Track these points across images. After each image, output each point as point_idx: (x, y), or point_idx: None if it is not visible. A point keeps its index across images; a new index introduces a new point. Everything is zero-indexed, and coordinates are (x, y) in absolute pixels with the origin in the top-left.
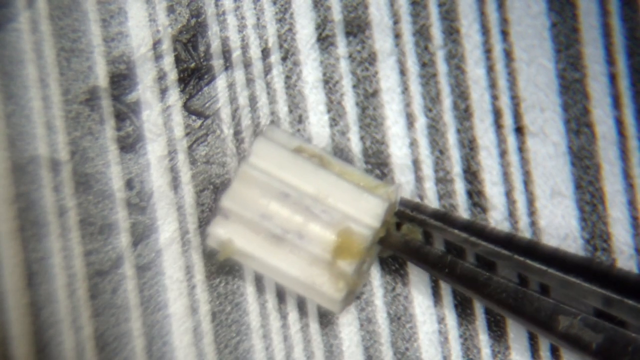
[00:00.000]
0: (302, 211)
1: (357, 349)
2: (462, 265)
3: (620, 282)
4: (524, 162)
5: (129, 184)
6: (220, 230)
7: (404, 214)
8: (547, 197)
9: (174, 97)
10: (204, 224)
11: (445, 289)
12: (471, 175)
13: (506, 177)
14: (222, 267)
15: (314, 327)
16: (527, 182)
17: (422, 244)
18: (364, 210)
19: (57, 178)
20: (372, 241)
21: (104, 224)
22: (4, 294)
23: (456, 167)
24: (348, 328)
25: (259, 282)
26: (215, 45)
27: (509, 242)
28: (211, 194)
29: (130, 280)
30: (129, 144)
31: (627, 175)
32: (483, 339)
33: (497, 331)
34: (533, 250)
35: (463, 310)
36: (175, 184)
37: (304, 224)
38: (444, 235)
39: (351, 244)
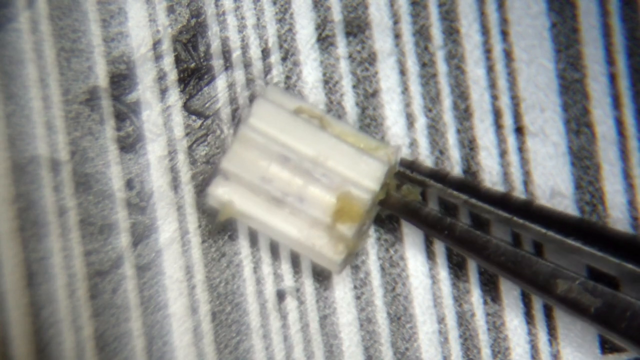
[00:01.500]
0: (302, 174)
1: (357, 349)
2: (461, 227)
3: (615, 241)
4: (523, 162)
5: (129, 184)
6: (220, 191)
7: (404, 175)
8: (547, 197)
9: (174, 97)
10: (204, 184)
11: (440, 255)
12: (471, 175)
13: (506, 177)
14: (221, 229)
15: (313, 327)
16: (527, 182)
17: (422, 206)
18: (364, 173)
19: (57, 178)
20: (372, 204)
21: (104, 224)
22: (4, 293)
23: (456, 168)
24: (348, 328)
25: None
26: (215, 46)
27: (506, 201)
28: (208, 155)
29: (130, 280)
30: (129, 144)
31: (627, 176)
32: (483, 338)
33: (491, 292)
34: (528, 209)
35: (456, 273)
36: (175, 184)
37: (304, 187)
38: (442, 196)
39: (351, 207)
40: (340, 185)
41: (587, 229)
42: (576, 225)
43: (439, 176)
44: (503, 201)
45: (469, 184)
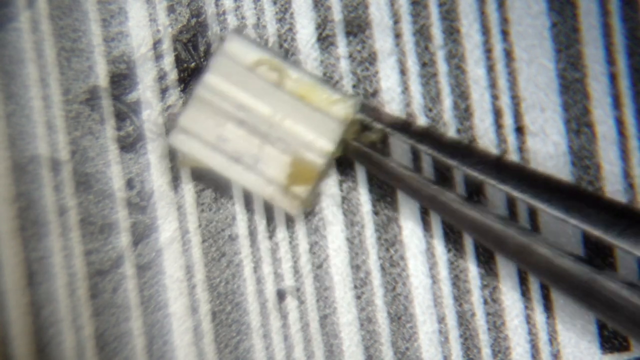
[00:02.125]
0: (257, 135)
1: (357, 348)
2: (419, 180)
3: (609, 209)
4: (524, 161)
5: (129, 184)
6: (178, 142)
7: (364, 126)
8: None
9: (174, 96)
10: (168, 127)
11: (442, 259)
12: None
13: None
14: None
15: (314, 326)
16: None
17: (381, 156)
18: (320, 133)
19: (57, 177)
20: (327, 164)
21: (104, 224)
22: (4, 293)
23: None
24: (348, 328)
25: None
26: (216, 45)
27: (474, 156)
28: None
29: (130, 279)
30: (129, 144)
31: (627, 175)
32: (483, 338)
33: (492, 292)
34: (521, 175)
35: (456, 274)
36: (175, 183)
37: (260, 147)
38: (404, 144)
39: (305, 171)
40: (295, 149)
41: (583, 197)
42: (572, 191)
43: (402, 125)
44: (469, 154)
45: (434, 135)
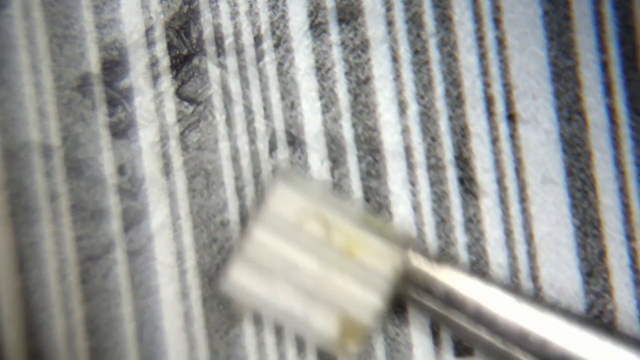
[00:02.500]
0: (305, 292)
1: None
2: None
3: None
4: (515, 149)
5: (120, 170)
6: (232, 293)
7: (412, 299)
8: (539, 184)
9: (166, 83)
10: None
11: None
12: (463, 162)
13: (498, 164)
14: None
15: None
16: (518, 169)
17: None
18: (368, 289)
19: (49, 164)
20: (376, 317)
21: (95, 210)
22: None
23: (448, 154)
24: None
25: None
26: (208, 32)
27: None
28: (200, 142)
29: (121, 265)
30: (121, 130)
31: (618, 163)
32: None
33: None
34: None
35: None
36: (167, 170)
37: (308, 304)
38: (452, 325)
39: (354, 328)
40: (344, 306)
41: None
42: None
43: (451, 300)
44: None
45: (485, 319)
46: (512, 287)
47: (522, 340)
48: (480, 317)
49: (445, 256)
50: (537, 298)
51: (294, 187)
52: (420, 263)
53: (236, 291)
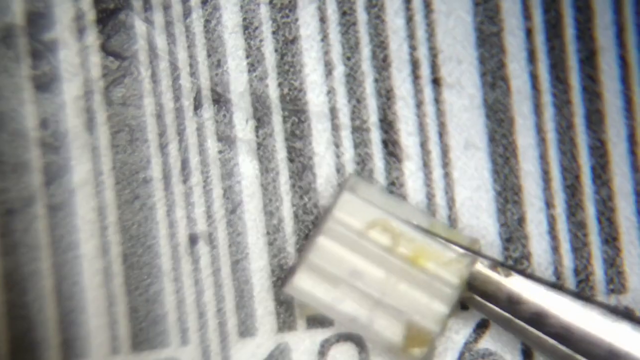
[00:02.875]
0: (370, 299)
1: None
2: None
3: None
4: (439, 113)
5: (43, 124)
6: (296, 296)
7: (476, 303)
8: (461, 149)
9: (92, 37)
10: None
11: None
12: (387, 124)
13: (421, 127)
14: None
15: (225, 270)
16: (442, 133)
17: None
18: (434, 297)
19: None
20: (443, 325)
21: (16, 163)
22: None
23: (372, 117)
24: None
25: None
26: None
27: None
28: (125, 97)
29: (41, 219)
30: (45, 83)
31: (539, 130)
32: None
33: None
34: None
35: None
36: (90, 125)
37: (373, 311)
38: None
39: (420, 336)
40: (409, 314)
41: None
42: None
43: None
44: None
45: (549, 324)
46: (578, 293)
47: (588, 345)
48: (543, 322)
49: (509, 262)
50: (602, 304)
51: (360, 196)
52: (485, 269)
53: (301, 296)
